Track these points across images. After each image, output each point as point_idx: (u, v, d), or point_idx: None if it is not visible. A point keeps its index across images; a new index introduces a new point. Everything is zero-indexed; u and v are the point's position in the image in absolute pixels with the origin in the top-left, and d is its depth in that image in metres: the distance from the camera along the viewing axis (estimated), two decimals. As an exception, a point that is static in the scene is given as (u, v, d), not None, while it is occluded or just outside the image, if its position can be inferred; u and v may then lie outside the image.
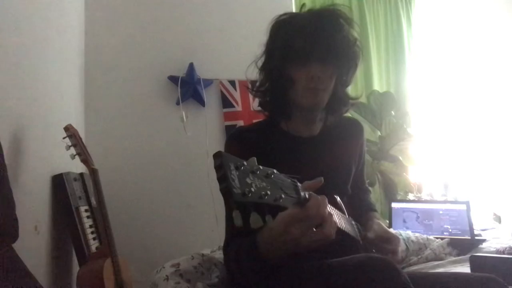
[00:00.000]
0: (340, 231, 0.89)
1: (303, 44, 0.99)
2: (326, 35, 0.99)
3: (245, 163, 0.56)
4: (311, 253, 0.77)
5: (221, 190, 0.52)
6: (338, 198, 1.04)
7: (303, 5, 1.08)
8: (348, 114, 2.64)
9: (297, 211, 0.70)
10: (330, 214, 0.76)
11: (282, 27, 1.04)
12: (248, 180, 0.55)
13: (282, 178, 0.63)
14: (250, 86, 1.16)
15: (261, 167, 0.59)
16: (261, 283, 0.89)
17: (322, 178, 0.77)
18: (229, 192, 0.51)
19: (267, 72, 1.09)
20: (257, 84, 1.12)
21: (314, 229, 0.73)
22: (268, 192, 0.57)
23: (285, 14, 1.06)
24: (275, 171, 0.61)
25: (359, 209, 1.23)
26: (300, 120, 1.10)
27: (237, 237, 0.93)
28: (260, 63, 1.10)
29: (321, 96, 1.02)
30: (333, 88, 1.05)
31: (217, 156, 0.54)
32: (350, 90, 1.17)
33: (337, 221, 0.86)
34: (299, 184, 0.70)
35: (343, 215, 0.98)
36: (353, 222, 1.06)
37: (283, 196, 0.61)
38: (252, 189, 0.54)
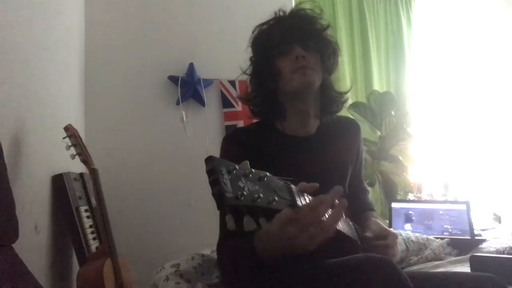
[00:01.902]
0: (337, 232, 0.89)
1: (282, 33, 1.06)
2: (301, 22, 1.08)
3: (237, 166, 0.56)
4: (310, 253, 0.77)
5: (213, 194, 0.52)
6: None
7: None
8: (347, 114, 2.66)
9: (292, 214, 0.68)
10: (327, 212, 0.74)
11: (261, 30, 1.12)
12: (241, 184, 0.55)
13: (275, 181, 0.63)
14: (248, 88, 1.18)
15: (253, 170, 0.59)
16: (259, 283, 0.89)
17: (318, 184, 0.76)
18: (222, 196, 0.51)
19: (255, 74, 1.13)
20: (249, 91, 1.16)
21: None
22: (261, 195, 0.57)
23: (261, 23, 1.12)
24: (267, 174, 0.61)
25: (357, 209, 1.23)
26: (295, 118, 1.11)
27: (232, 237, 0.93)
28: (248, 71, 1.15)
29: (309, 75, 1.04)
30: (321, 75, 1.08)
31: (208, 160, 0.54)
32: (349, 93, 1.19)
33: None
34: (292, 186, 0.69)
35: None
36: (350, 223, 1.06)
37: (276, 198, 0.61)
38: (245, 193, 0.54)
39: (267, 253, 0.79)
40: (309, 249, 0.71)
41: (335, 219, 0.75)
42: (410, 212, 1.91)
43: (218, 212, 0.96)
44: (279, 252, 0.76)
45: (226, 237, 1.00)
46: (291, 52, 1.04)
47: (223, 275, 1.09)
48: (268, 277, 0.87)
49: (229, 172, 0.54)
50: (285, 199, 0.65)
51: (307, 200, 0.74)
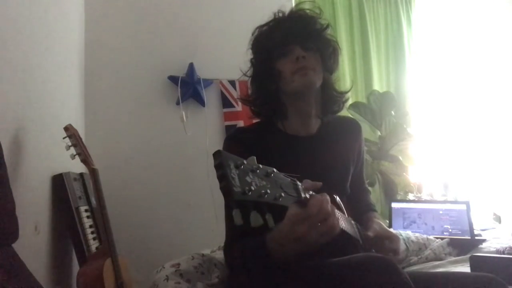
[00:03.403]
0: (340, 230, 0.89)
1: (282, 34, 1.06)
2: (301, 23, 1.08)
3: (245, 161, 0.56)
4: (312, 252, 0.77)
5: (221, 188, 0.52)
6: (338, 198, 1.04)
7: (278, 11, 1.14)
8: (347, 114, 2.66)
9: (301, 209, 0.71)
10: (333, 207, 0.77)
11: (261, 31, 1.12)
12: (248, 179, 0.55)
13: (281, 177, 0.64)
14: (248, 90, 1.19)
15: (260, 166, 0.59)
16: (260, 282, 0.89)
17: (321, 183, 0.78)
18: (229, 190, 0.51)
19: (255, 75, 1.13)
20: (250, 92, 1.17)
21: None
22: (268, 191, 0.57)
23: (261, 24, 1.12)
24: (274, 170, 0.62)
25: (359, 209, 1.23)
26: (296, 118, 1.11)
27: (241, 236, 0.93)
28: (249, 73, 1.15)
29: (310, 75, 1.04)
30: (322, 75, 1.08)
31: (217, 155, 0.54)
32: (350, 93, 1.20)
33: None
34: (299, 183, 0.70)
35: (342, 214, 0.98)
36: (352, 222, 1.06)
37: (283, 194, 0.61)
38: (252, 188, 0.54)
39: (279, 252, 0.80)
40: (317, 246, 0.74)
41: (337, 215, 0.77)
42: (408, 212, 1.91)
43: (217, 213, 0.96)
44: (292, 250, 0.78)
45: (235, 237, 1.00)
46: (291, 53, 1.04)
47: (233, 275, 1.09)
48: (271, 277, 0.87)
49: (237, 167, 0.54)
50: (292, 195, 0.65)
51: (312, 196, 0.74)
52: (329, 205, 0.75)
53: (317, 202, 0.72)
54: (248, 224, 0.56)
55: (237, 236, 0.97)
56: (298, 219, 0.72)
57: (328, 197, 0.76)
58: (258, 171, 0.58)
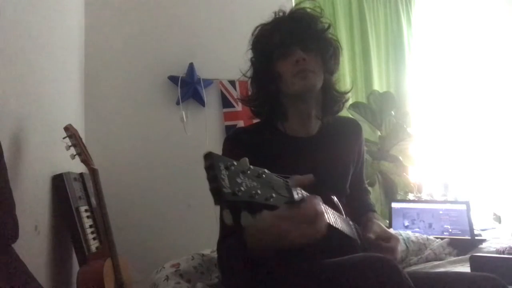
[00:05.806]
0: (336, 231, 0.88)
1: (282, 36, 1.04)
2: (301, 23, 1.06)
3: (235, 163, 0.56)
4: (309, 252, 0.77)
5: (211, 190, 0.52)
6: (335, 198, 1.04)
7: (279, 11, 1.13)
8: (348, 114, 2.66)
9: (288, 210, 0.69)
10: (322, 213, 0.75)
11: (261, 32, 1.10)
12: (239, 180, 0.55)
13: (273, 178, 0.64)
14: (248, 91, 1.18)
15: (252, 167, 0.59)
16: (259, 282, 0.88)
17: (312, 175, 0.76)
18: (219, 191, 0.51)
19: (255, 77, 1.12)
20: (249, 93, 1.16)
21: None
22: (259, 192, 0.57)
23: (261, 24, 1.11)
24: (266, 170, 0.62)
25: (358, 210, 1.23)
26: (296, 119, 1.10)
27: (228, 237, 0.93)
28: (249, 74, 1.14)
29: (310, 78, 1.03)
30: (322, 76, 1.07)
31: (207, 157, 0.54)
32: (350, 93, 1.19)
33: (332, 220, 0.86)
34: (291, 183, 0.70)
35: (340, 215, 0.97)
36: (350, 222, 1.06)
37: (274, 195, 0.61)
38: (242, 189, 0.55)
39: (257, 246, 0.78)
40: (296, 246, 0.71)
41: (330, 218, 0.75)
42: (408, 212, 1.91)
43: (217, 213, 0.97)
44: (269, 246, 0.75)
45: (224, 235, 1.00)
46: (291, 55, 1.03)
47: (222, 273, 1.09)
48: (265, 277, 0.87)
49: (227, 168, 0.55)
50: (283, 196, 0.65)
51: (305, 197, 0.74)
52: (319, 208, 0.73)
53: (310, 204, 0.71)
54: (239, 224, 0.56)
55: (225, 236, 0.98)
56: (285, 215, 0.69)
57: (319, 200, 0.74)
58: (249, 172, 0.58)
